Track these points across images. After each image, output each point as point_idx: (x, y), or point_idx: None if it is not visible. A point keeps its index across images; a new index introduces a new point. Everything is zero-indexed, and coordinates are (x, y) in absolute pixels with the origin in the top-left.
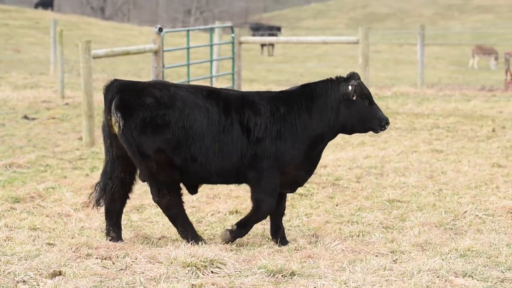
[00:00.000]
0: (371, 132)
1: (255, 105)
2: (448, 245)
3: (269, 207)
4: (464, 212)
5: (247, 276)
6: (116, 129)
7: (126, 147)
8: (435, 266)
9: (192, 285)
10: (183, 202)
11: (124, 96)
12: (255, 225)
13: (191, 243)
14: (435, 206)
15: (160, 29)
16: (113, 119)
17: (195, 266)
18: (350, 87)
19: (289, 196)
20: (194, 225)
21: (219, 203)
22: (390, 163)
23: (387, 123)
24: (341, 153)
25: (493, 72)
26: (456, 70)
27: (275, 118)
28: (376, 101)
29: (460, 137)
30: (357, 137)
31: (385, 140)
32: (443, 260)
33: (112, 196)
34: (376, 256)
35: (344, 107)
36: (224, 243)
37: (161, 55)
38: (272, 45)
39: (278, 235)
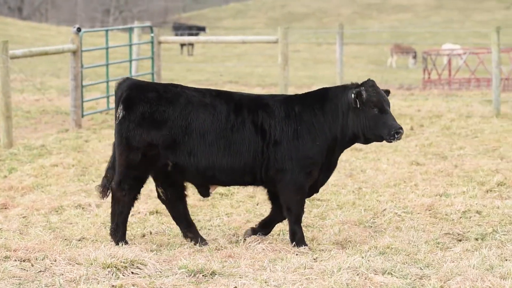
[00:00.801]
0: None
1: (269, 106)
2: (367, 243)
3: (298, 203)
4: (384, 210)
5: (168, 276)
6: (115, 120)
7: (117, 135)
8: (355, 264)
9: (112, 286)
10: (133, 205)
11: (131, 92)
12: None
13: (117, 244)
14: (354, 204)
15: (79, 29)
16: (117, 111)
17: (115, 267)
18: (352, 95)
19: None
20: None
21: (139, 204)
22: None
23: (397, 132)
24: None
25: (411, 71)
26: (374, 69)
27: (290, 119)
28: None
29: None
30: None
31: None
32: (362, 257)
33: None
34: (297, 254)
35: (352, 114)
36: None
37: (80, 55)
38: (191, 44)
39: (263, 230)
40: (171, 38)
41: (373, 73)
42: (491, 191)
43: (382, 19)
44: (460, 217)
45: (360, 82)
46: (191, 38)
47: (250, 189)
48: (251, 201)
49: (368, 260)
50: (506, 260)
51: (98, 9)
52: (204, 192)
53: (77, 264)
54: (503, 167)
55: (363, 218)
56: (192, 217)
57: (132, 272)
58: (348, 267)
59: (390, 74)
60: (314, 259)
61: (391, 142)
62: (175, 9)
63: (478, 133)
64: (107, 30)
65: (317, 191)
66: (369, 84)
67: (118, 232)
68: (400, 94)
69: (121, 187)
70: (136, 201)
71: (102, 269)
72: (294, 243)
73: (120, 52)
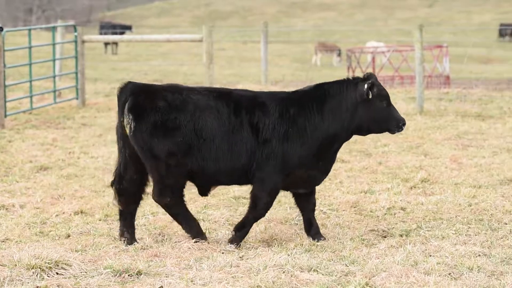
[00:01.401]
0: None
1: (265, 106)
2: (293, 241)
3: (265, 205)
4: None
5: (93, 276)
6: (127, 131)
7: (137, 148)
8: (281, 261)
9: (37, 287)
10: (184, 201)
11: (137, 99)
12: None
13: (195, 240)
14: (280, 202)
15: (1, 28)
16: (125, 120)
17: (39, 268)
18: (365, 86)
19: None
20: (37, 226)
21: (63, 204)
22: None
23: (404, 123)
24: None
25: (335, 69)
26: (299, 67)
27: (283, 119)
28: None
29: None
30: None
31: None
32: (288, 255)
33: (126, 197)
34: (223, 253)
35: (362, 108)
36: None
37: (2, 54)
38: (115, 43)
39: (312, 231)
40: (94, 37)
41: (297, 71)
42: (415, 187)
43: (307, 18)
44: (385, 214)
45: (376, 78)
46: (115, 37)
47: None
48: None
49: (294, 258)
50: (430, 256)
51: (21, 8)
52: (204, 192)
53: (1, 265)
54: (426, 164)
55: (289, 216)
56: (117, 217)
57: (57, 273)
58: (274, 264)
59: (315, 72)
60: (240, 257)
61: (394, 133)
62: (99, 8)
63: None
64: (30, 29)
65: (311, 187)
66: (374, 77)
67: (192, 229)
68: None
69: (162, 195)
70: (184, 198)
71: (26, 270)
72: (234, 233)
73: (43, 52)
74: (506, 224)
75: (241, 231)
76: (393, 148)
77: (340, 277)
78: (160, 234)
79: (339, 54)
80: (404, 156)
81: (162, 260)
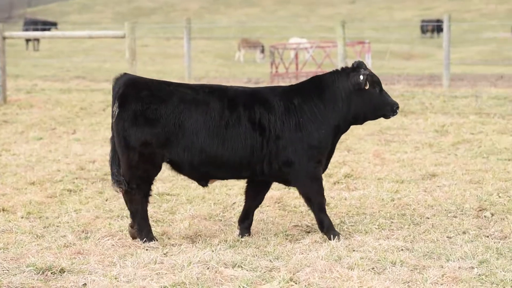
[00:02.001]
0: None
1: (267, 101)
2: (217, 237)
3: (316, 194)
4: (233, 203)
5: (15, 274)
6: (113, 118)
7: (115, 135)
8: (205, 257)
9: None
10: (148, 201)
11: (126, 89)
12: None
13: (143, 241)
14: (204, 198)
15: None
16: (113, 108)
17: None
18: (361, 77)
19: (57, 192)
20: None
21: None
22: None
23: (398, 107)
24: (108, 148)
25: (258, 65)
26: (222, 63)
27: (290, 112)
28: None
29: None
30: None
31: None
32: (213, 251)
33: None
34: (147, 250)
35: (356, 97)
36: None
37: None
38: (37, 40)
39: (244, 224)
40: (16, 33)
41: (221, 67)
42: (338, 183)
43: (230, 14)
44: (308, 209)
45: (366, 66)
46: (36, 33)
47: (99, 185)
48: (100, 197)
49: (218, 254)
50: (354, 250)
51: None
52: (204, 183)
53: None
54: (350, 159)
55: (213, 212)
56: (39, 214)
57: None
58: (199, 261)
59: (238, 68)
60: (164, 254)
61: (389, 118)
62: (20, 4)
63: None
64: None
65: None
66: (364, 66)
67: (142, 232)
68: None
69: (129, 187)
70: (149, 197)
71: None
72: (323, 232)
73: None
74: (428, 218)
75: (324, 227)
76: None
77: (264, 272)
78: (83, 231)
79: (262, 51)
80: None
81: (86, 258)
